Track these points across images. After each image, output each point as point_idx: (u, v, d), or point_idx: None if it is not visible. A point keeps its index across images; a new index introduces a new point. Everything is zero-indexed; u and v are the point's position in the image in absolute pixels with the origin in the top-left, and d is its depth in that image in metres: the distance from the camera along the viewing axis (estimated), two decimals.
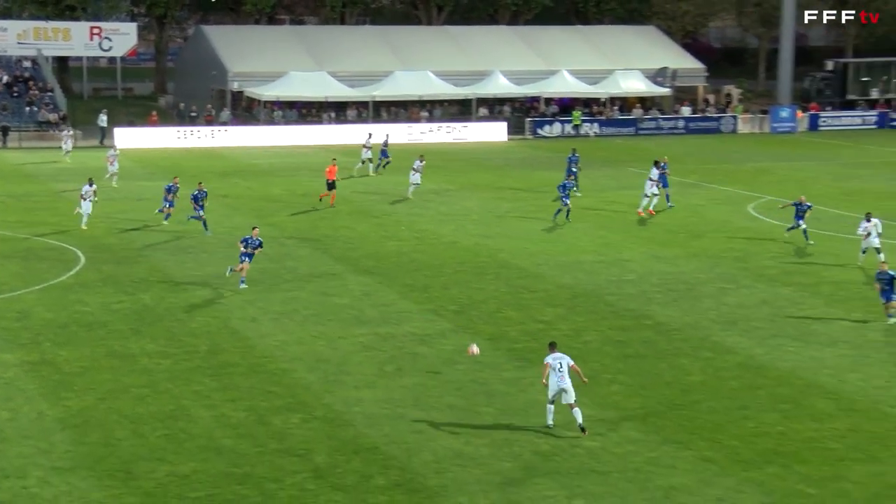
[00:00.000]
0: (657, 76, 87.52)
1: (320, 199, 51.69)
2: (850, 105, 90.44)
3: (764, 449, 23.59)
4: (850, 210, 50.53)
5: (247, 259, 35.99)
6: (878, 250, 39.06)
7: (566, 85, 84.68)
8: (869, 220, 39.61)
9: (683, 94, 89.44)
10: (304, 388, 27.14)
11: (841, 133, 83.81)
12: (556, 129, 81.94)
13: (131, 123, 78.78)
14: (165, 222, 46.23)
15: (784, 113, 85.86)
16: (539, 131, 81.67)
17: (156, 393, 26.61)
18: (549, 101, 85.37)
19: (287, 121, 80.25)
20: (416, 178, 53.62)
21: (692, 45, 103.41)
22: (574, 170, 54.33)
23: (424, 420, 25.09)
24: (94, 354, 29.53)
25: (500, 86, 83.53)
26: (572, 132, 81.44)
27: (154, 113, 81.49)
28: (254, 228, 36.83)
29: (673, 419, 24.98)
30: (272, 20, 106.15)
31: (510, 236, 45.14)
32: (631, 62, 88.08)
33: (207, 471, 22.26)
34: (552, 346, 24.63)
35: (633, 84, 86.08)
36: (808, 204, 43.68)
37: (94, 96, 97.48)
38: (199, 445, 23.53)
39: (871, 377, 28.07)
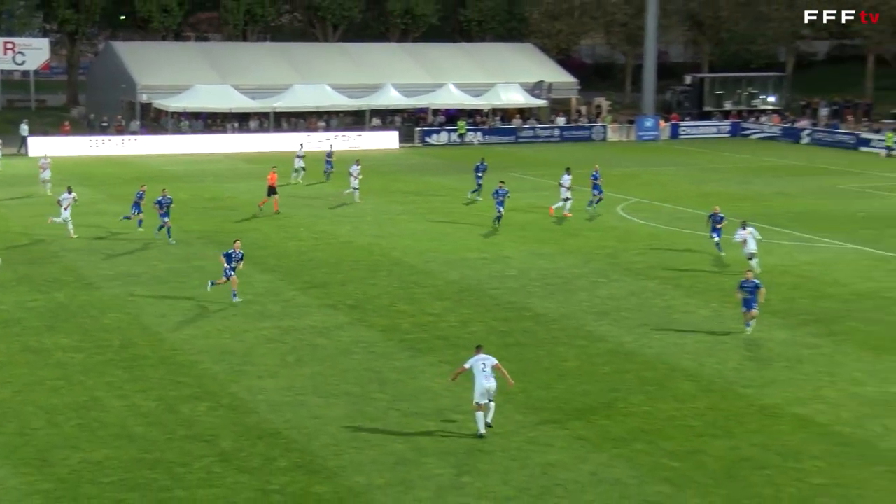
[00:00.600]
0: (534, 89, 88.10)
1: (260, 207, 50.19)
2: (707, 116, 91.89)
3: (632, 427, 23.87)
4: (707, 210, 51.33)
5: (232, 273, 33.50)
6: (751, 256, 37.56)
7: (452, 97, 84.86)
8: (745, 228, 37.90)
9: (558, 106, 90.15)
10: (211, 379, 26.83)
11: (699, 141, 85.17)
12: (444, 137, 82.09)
13: (45, 133, 77.07)
14: (140, 228, 44.39)
15: (648, 123, 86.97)
16: (427, 139, 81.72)
17: (70, 385, 26.09)
18: (436, 111, 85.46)
19: (193, 130, 79.15)
20: (355, 182, 53.16)
21: (565, 61, 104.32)
22: (479, 175, 54.69)
23: (323, 406, 24.96)
24: (10, 350, 28.86)
25: (391, 98, 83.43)
26: (458, 140, 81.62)
27: (67, 123, 79.85)
28: (235, 241, 34.54)
29: (550, 402, 25.17)
30: (178, 37, 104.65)
31: (401, 236, 45.10)
32: (510, 76, 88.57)
33: (119, 457, 21.89)
34: (478, 349, 23.59)
35: (513, 96, 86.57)
36: (721, 215, 41.28)
37: (8, 107, 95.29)
38: (111, 433, 23.13)
39: (726, 361, 28.58)
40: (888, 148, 74.78)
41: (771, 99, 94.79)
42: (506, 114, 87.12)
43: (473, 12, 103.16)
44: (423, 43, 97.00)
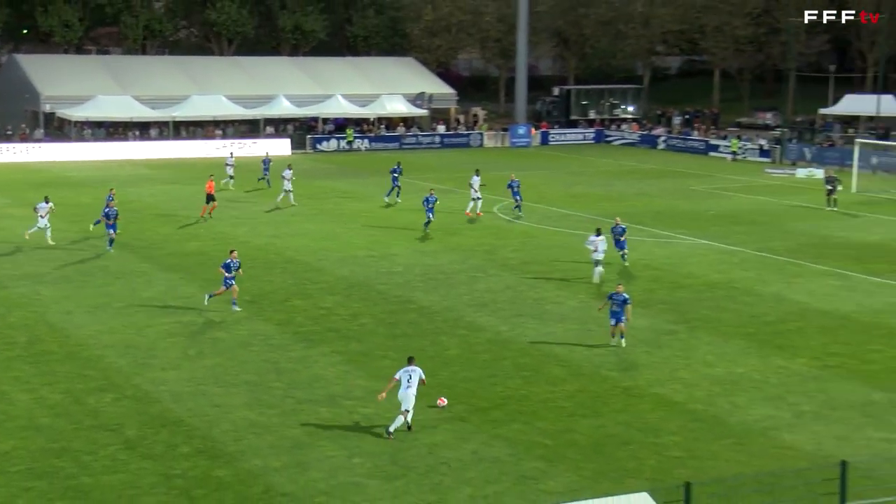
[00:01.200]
0: (416, 100, 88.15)
1: (202, 216, 48.42)
2: (574, 124, 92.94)
3: (510, 409, 24.04)
4: (576, 210, 52.06)
5: (232, 282, 31.75)
6: (597, 263, 35.74)
7: (340, 107, 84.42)
8: (598, 235, 35.79)
9: (438, 115, 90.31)
10: (116, 371, 26.27)
11: (566, 147, 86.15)
12: (333, 144, 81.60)
13: None
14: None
15: (521, 130, 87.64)
16: (318, 146, 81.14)
17: None
18: (326, 120, 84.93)
19: (96, 138, 77.22)
20: (288, 185, 52.30)
21: (444, 74, 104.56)
22: (395, 177, 54.30)
23: (223, 395, 24.63)
24: None
25: (283, 108, 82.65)
26: (346, 147, 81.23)
27: None
28: (231, 251, 32.67)
29: (435, 387, 25.20)
30: (80, 50, 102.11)
31: (295, 236, 44.72)
32: (394, 88, 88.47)
33: (27, 447, 21.30)
34: (410, 360, 22.73)
35: (397, 106, 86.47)
36: (623, 226, 38.57)
37: None
38: (18, 425, 22.49)
39: (593, 347, 28.96)
40: (733, 153, 76.60)
41: (630, 109, 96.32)
42: (390, 122, 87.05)
43: (359, 29, 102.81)
44: (313, 57, 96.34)
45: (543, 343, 29.27)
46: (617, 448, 21.82)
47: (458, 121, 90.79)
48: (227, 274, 31.93)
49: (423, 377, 22.48)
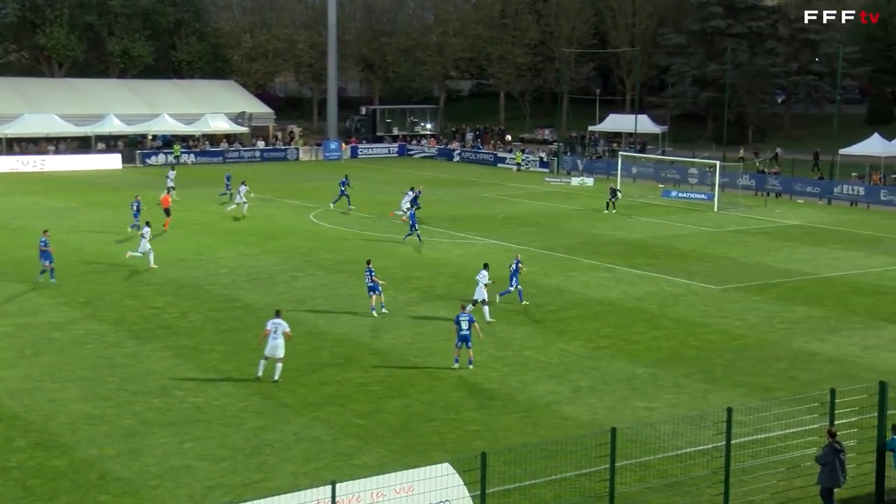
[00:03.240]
0: (237, 118, 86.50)
1: (165, 228, 46.00)
2: (379, 139, 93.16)
3: (327, 394, 23.84)
4: (381, 215, 52.12)
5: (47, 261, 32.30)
6: (483, 302, 30.42)
7: (167, 125, 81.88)
8: (484, 270, 31.03)
9: (258, 132, 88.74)
10: None
11: (373, 160, 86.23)
12: (161, 159, 79.01)
13: None
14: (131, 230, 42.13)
15: (333, 145, 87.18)
16: (147, 161, 78.52)
17: None
18: (154, 137, 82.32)
19: None
20: (241, 199, 51.45)
21: (263, 95, 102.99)
22: (343, 189, 53.81)
23: (59, 390, 23.46)
24: None
25: (114, 125, 79.58)
26: (174, 161, 78.83)
27: None
28: (45, 231, 31.74)
29: (257, 379, 24.73)
30: None
31: (127, 242, 43.03)
32: (217, 107, 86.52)
33: None
34: (277, 314, 24.60)
35: (220, 124, 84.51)
36: (518, 263, 32.94)
37: None
38: None
39: (400, 336, 29.04)
40: (518, 164, 78.42)
41: (429, 126, 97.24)
42: (214, 138, 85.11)
43: (183, 54, 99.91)
44: (141, 80, 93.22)
45: (356, 334, 29.14)
46: (422, 425, 21.91)
47: (276, 137, 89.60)
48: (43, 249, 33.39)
49: (288, 330, 24.13)
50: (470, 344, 25.87)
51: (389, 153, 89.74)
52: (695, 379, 25.37)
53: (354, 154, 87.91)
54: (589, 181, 69.35)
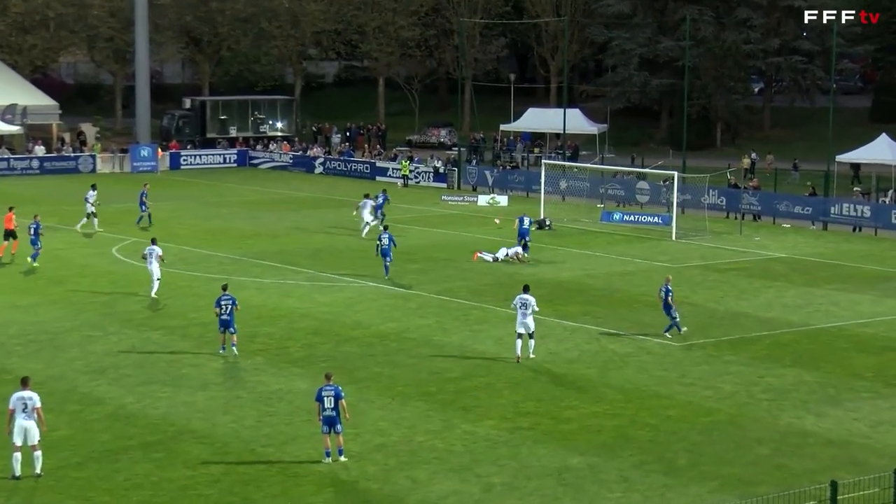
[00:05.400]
0: (6, 113, 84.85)
1: (13, 252, 47.92)
2: (211, 143, 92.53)
3: (139, 501, 23.44)
4: (215, 249, 51.72)
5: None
6: (529, 335, 33.79)
7: None
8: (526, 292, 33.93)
9: (36, 133, 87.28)
10: None
11: (203, 171, 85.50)
12: None
13: None
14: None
15: (144, 152, 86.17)
16: None
17: None
18: None
19: None
20: (90, 208, 55.57)
21: (43, 81, 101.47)
22: (143, 203, 57.79)
23: None
24: None
25: None
26: None
27: None
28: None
29: (40, 481, 24.15)
30: None
31: None
32: None
33: None
34: (24, 382, 25.14)
35: None
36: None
37: None
38: None
39: (242, 418, 28.77)
40: (404, 177, 78.70)
41: (280, 125, 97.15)
42: None
43: None
44: None
45: (179, 416, 28.78)
46: None
47: (62, 140, 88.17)
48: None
49: (38, 405, 24.68)
50: (339, 428, 25.68)
51: (225, 163, 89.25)
52: (650, 470, 25.75)
53: (175, 164, 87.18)
54: (501, 199, 70.09)
